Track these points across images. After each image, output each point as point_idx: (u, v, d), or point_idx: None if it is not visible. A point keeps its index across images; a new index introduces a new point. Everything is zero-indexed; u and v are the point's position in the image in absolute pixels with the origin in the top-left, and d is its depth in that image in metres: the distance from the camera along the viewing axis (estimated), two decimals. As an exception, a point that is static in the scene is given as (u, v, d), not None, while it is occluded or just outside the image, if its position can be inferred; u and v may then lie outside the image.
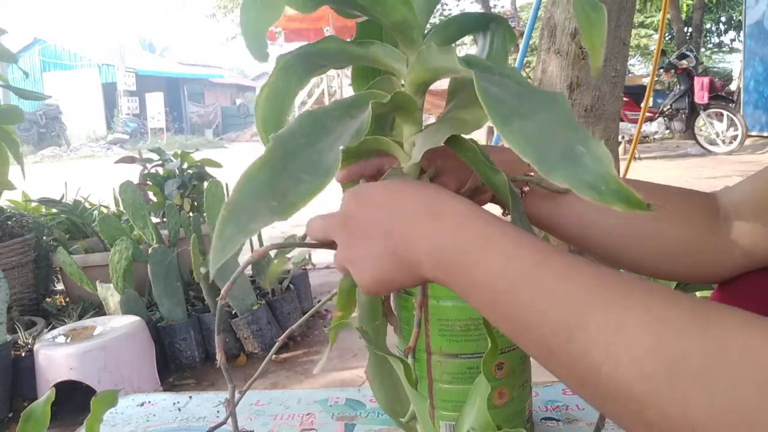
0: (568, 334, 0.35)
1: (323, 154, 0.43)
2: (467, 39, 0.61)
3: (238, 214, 0.39)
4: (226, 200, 0.40)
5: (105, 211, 2.79)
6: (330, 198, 0.54)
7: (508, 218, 0.52)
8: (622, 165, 3.60)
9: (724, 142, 7.14)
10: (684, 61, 7.31)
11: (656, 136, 7.88)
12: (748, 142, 7.45)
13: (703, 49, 12.64)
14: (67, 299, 2.50)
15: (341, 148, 0.42)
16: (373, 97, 0.49)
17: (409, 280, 0.46)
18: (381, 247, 0.45)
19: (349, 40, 0.53)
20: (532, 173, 0.56)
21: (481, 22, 0.56)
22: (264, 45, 0.49)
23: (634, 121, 6.33)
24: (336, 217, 0.48)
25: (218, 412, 0.73)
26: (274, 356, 0.77)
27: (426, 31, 0.52)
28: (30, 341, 1.91)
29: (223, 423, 0.62)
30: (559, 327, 0.36)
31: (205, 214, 2.42)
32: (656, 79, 8.00)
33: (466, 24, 0.55)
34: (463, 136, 0.50)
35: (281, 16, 0.47)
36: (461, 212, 0.43)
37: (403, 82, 0.52)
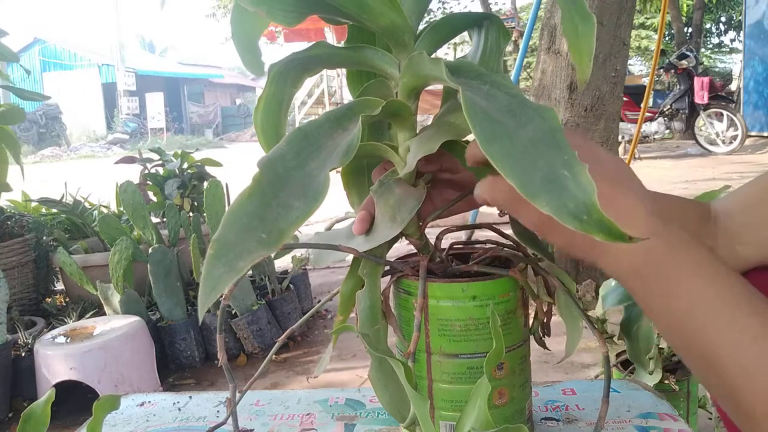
0: (744, 380, 0.40)
1: (314, 176, 0.41)
2: (466, 35, 0.61)
3: (226, 251, 0.38)
4: (214, 236, 0.39)
5: (105, 211, 2.79)
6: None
7: (506, 218, 0.52)
8: (622, 165, 3.59)
9: (724, 142, 7.14)
10: (684, 61, 7.31)
11: (656, 136, 7.88)
12: (748, 142, 7.45)
13: (703, 49, 12.64)
14: (67, 299, 2.50)
15: (329, 171, 0.42)
16: (364, 108, 0.49)
17: (588, 258, 0.47)
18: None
19: (341, 44, 0.53)
20: None
21: (474, 22, 0.55)
22: (258, 57, 0.49)
23: (634, 121, 6.33)
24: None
25: (218, 412, 0.73)
26: (274, 356, 0.77)
27: (419, 32, 0.52)
28: (30, 341, 1.90)
29: (224, 423, 0.62)
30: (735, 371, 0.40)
31: (205, 214, 2.42)
32: (656, 79, 7.99)
33: (458, 24, 0.54)
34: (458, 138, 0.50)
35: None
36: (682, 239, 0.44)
37: (395, 85, 0.51)
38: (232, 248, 0.38)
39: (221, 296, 0.46)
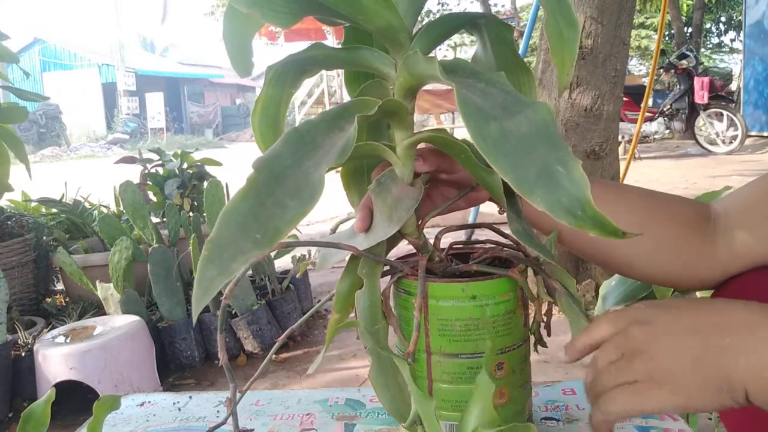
0: None
1: (309, 175, 0.41)
2: (466, 39, 0.61)
3: (220, 252, 0.38)
4: (208, 237, 0.39)
5: (105, 211, 2.79)
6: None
7: (504, 216, 0.52)
8: (622, 165, 3.60)
9: (724, 142, 7.14)
10: (684, 61, 7.30)
11: (656, 136, 7.87)
12: (747, 142, 7.45)
13: (703, 49, 12.64)
14: (67, 299, 2.50)
15: (325, 170, 0.42)
16: (361, 108, 0.49)
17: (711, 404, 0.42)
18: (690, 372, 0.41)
19: (338, 44, 0.53)
20: None
21: (469, 21, 0.55)
22: (248, 58, 0.49)
23: (634, 121, 6.32)
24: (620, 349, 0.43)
25: (218, 412, 0.73)
26: (274, 356, 0.77)
27: (415, 32, 0.52)
28: (30, 341, 1.90)
29: (224, 423, 0.62)
30: None
31: (205, 214, 2.42)
32: (656, 79, 7.99)
33: (453, 23, 0.54)
34: (454, 138, 0.50)
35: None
36: None
37: (392, 85, 0.51)
38: (226, 249, 0.38)
39: (222, 296, 0.46)
